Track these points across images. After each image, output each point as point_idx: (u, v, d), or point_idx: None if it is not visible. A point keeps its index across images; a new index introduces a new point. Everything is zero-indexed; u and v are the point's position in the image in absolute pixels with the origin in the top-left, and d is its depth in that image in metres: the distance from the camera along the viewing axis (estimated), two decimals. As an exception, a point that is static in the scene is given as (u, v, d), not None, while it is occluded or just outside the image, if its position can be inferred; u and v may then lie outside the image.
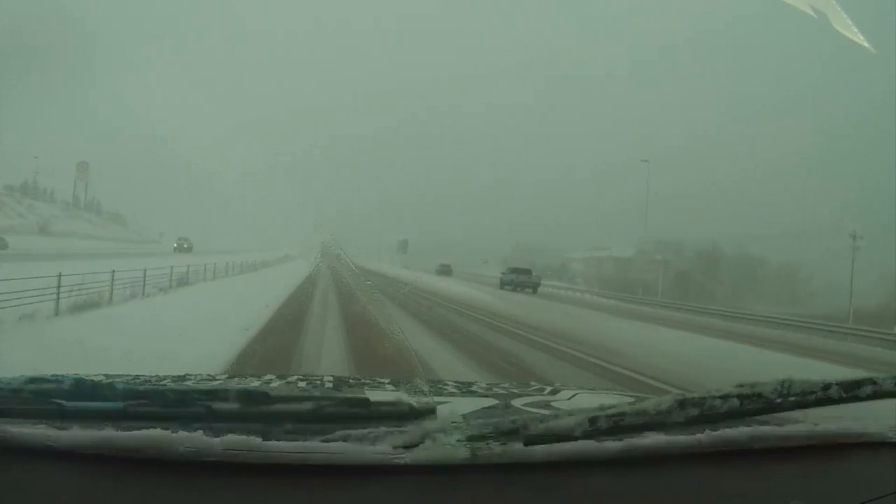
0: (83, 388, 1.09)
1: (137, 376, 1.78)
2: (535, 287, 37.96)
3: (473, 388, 2.08)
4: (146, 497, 1.01)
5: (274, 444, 1.06)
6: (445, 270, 50.80)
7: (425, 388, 1.93)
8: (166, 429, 1.06)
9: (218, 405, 1.05)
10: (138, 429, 1.05)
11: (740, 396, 1.14)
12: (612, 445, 1.15)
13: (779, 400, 1.16)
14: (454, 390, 1.95)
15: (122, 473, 1.04)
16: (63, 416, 1.08)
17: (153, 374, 1.82)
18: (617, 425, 1.10)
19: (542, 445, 1.13)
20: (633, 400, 1.68)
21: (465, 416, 1.28)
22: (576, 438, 1.09)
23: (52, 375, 1.55)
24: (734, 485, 1.18)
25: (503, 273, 40.88)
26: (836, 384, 1.18)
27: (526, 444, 1.10)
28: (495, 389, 2.00)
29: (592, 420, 1.09)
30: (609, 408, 1.12)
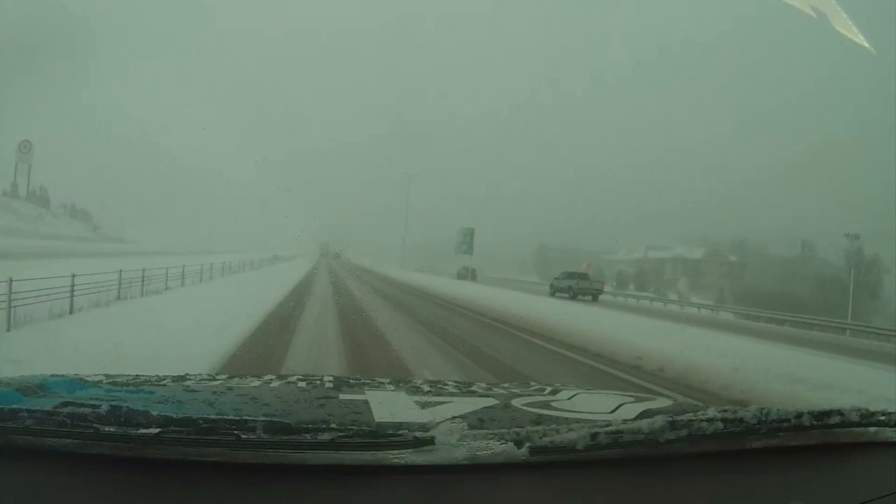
0: (119, 414, 1.11)
1: (137, 376, 1.79)
2: (595, 295, 32.75)
3: (473, 388, 2.07)
4: (145, 497, 1.02)
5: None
6: (468, 274, 45.61)
7: (425, 388, 1.93)
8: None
9: (246, 435, 1.08)
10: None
11: (724, 420, 1.25)
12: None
13: (757, 425, 1.26)
14: (454, 390, 1.95)
15: (121, 474, 1.05)
16: (98, 440, 1.09)
17: (153, 374, 1.82)
18: (615, 441, 1.17)
19: None
20: (633, 400, 1.69)
21: (465, 417, 1.28)
22: (576, 450, 1.14)
23: (52, 376, 1.57)
24: (734, 485, 1.19)
25: (556, 278, 34.92)
26: (808, 413, 1.31)
27: (533, 454, 1.13)
28: (495, 389, 1.99)
29: (593, 436, 1.16)
30: (606, 425, 1.21)
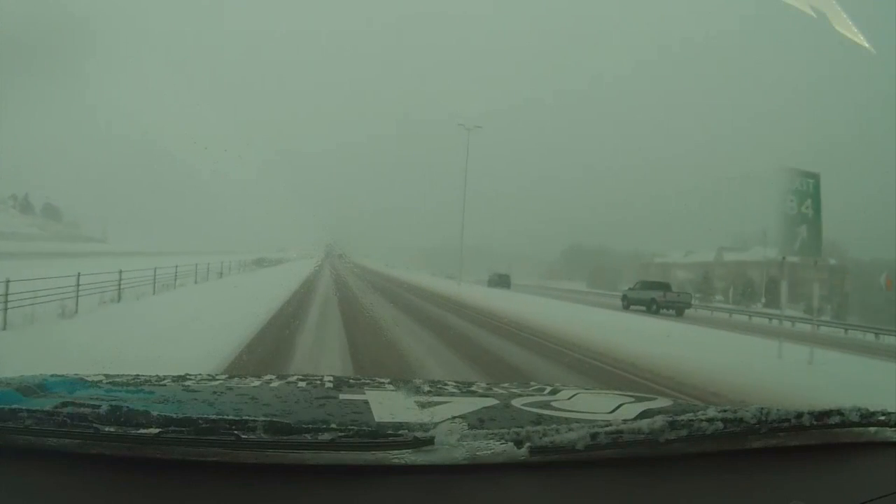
0: (119, 414, 1.11)
1: (137, 376, 1.79)
2: (681, 309, 27.86)
3: (473, 387, 2.07)
4: (145, 497, 1.02)
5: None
6: (502, 281, 42.18)
7: (425, 388, 1.93)
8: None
9: (246, 435, 1.08)
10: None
11: (724, 420, 1.25)
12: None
13: (757, 425, 1.27)
14: (454, 390, 1.95)
15: (122, 474, 1.05)
16: (98, 440, 1.09)
17: (153, 374, 1.82)
18: (615, 441, 1.17)
19: None
20: (633, 400, 1.69)
21: (465, 417, 1.28)
22: (576, 450, 1.15)
23: (52, 376, 1.57)
24: (734, 485, 1.19)
25: (630, 289, 30.32)
26: (808, 413, 1.31)
27: (533, 454, 1.13)
28: (495, 389, 1.99)
29: (593, 436, 1.16)
30: (606, 425, 1.21)
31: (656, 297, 27.93)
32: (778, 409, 1.29)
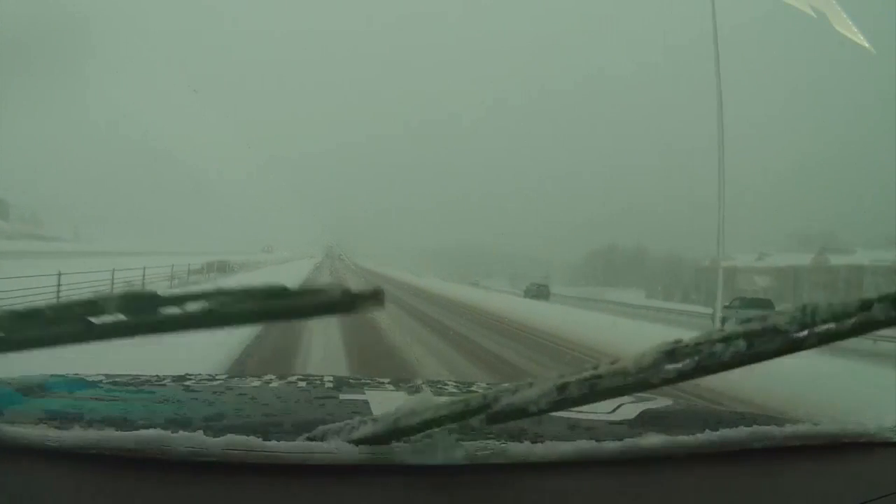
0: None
1: (137, 376, 1.79)
2: None
3: (473, 388, 2.07)
4: (146, 497, 1.02)
5: (274, 445, 1.07)
6: (541, 293, 38.62)
7: (425, 388, 1.93)
8: (166, 429, 1.07)
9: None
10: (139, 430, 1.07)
11: (748, 335, 0.90)
12: (611, 445, 1.16)
13: (803, 333, 0.90)
14: (454, 390, 1.95)
15: (122, 474, 1.05)
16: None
17: (153, 374, 1.83)
18: (592, 391, 0.94)
19: (540, 445, 1.14)
20: (633, 400, 1.68)
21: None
22: (541, 411, 0.99)
23: (52, 376, 1.57)
24: (734, 485, 1.19)
25: (726, 307, 25.92)
26: (878, 301, 0.90)
27: (490, 422, 1.03)
28: (495, 389, 1.99)
29: (561, 388, 0.94)
30: (579, 381, 0.96)
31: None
32: (829, 304, 1.01)
